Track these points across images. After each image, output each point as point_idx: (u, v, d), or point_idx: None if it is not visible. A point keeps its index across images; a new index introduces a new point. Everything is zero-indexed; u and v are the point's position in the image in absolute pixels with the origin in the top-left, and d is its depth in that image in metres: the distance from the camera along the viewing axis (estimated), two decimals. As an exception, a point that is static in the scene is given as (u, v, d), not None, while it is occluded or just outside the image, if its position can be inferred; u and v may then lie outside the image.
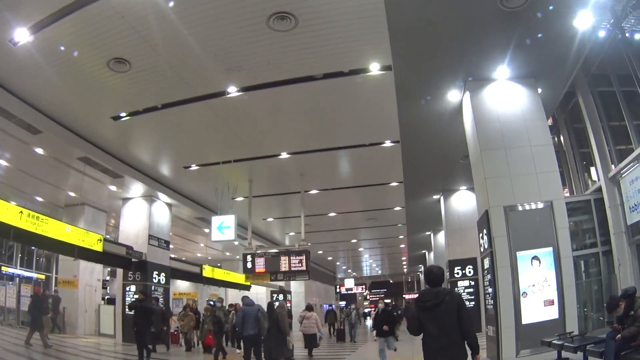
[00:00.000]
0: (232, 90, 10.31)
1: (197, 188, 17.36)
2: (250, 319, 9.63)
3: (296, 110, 11.49)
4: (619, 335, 6.14)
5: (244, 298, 10.35)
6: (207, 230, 23.94)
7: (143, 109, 11.09)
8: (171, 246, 29.19)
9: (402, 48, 8.77)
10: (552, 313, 8.32)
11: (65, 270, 18.01)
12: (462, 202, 18.26)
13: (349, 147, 13.62)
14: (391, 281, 62.82)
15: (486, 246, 9.07)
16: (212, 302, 16.58)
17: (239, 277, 22.64)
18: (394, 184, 17.07)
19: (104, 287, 22.38)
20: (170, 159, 14.99)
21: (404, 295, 51.26)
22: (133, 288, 16.30)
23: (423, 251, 35.66)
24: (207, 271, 22.56)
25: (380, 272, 54.53)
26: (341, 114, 11.72)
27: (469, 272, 16.78)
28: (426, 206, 20.44)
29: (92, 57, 8.92)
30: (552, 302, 8.35)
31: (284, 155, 13.99)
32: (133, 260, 16.16)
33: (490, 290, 9.03)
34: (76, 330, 17.09)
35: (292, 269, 15.09)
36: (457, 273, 16.81)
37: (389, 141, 13.18)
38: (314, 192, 17.77)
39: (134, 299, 12.61)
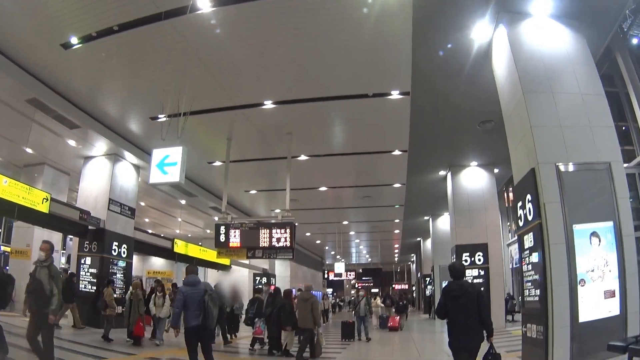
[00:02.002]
0: (203, 4, 7.88)
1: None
2: (193, 304, 6.64)
3: (283, 40, 8.99)
4: None
5: (189, 269, 7.17)
6: (183, 202, 21.59)
7: (97, 32, 8.84)
8: (146, 220, 27.14)
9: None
10: (613, 308, 6.07)
11: (18, 239, 15.66)
12: (473, 180, 16.14)
13: (348, 98, 11.10)
14: (382, 269, 60.76)
15: (530, 217, 6.74)
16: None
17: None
18: (397, 152, 14.67)
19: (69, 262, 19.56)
20: (134, 107, 12.39)
21: (393, 285, 49.22)
22: (89, 260, 14.07)
23: (418, 239, 33.72)
24: (180, 247, 20.01)
25: (370, 259, 52.52)
26: (341, 48, 9.24)
27: (479, 260, 14.47)
28: (430, 184, 18.31)
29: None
30: (612, 294, 6.11)
31: (268, 104, 11.48)
32: (90, 227, 13.90)
33: (534, 276, 6.65)
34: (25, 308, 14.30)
35: (273, 244, 12.46)
36: (465, 260, 14.41)
37: (397, 92, 10.75)
38: (302, 158, 15.26)
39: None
